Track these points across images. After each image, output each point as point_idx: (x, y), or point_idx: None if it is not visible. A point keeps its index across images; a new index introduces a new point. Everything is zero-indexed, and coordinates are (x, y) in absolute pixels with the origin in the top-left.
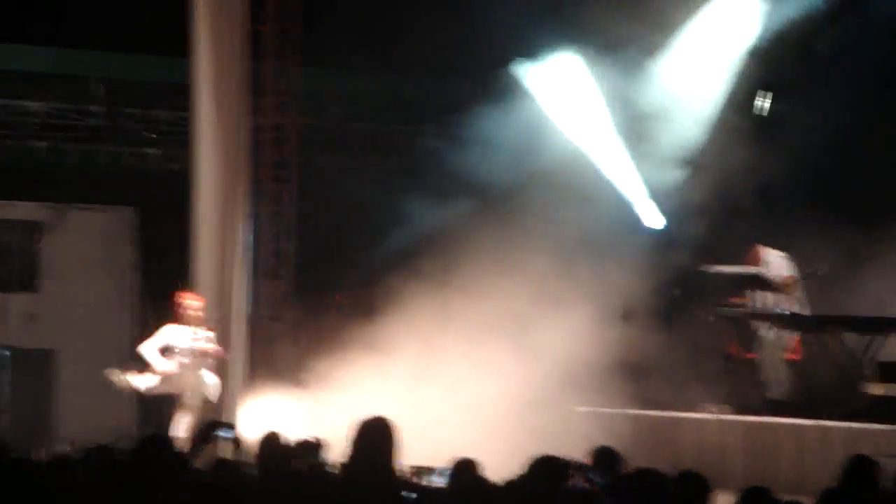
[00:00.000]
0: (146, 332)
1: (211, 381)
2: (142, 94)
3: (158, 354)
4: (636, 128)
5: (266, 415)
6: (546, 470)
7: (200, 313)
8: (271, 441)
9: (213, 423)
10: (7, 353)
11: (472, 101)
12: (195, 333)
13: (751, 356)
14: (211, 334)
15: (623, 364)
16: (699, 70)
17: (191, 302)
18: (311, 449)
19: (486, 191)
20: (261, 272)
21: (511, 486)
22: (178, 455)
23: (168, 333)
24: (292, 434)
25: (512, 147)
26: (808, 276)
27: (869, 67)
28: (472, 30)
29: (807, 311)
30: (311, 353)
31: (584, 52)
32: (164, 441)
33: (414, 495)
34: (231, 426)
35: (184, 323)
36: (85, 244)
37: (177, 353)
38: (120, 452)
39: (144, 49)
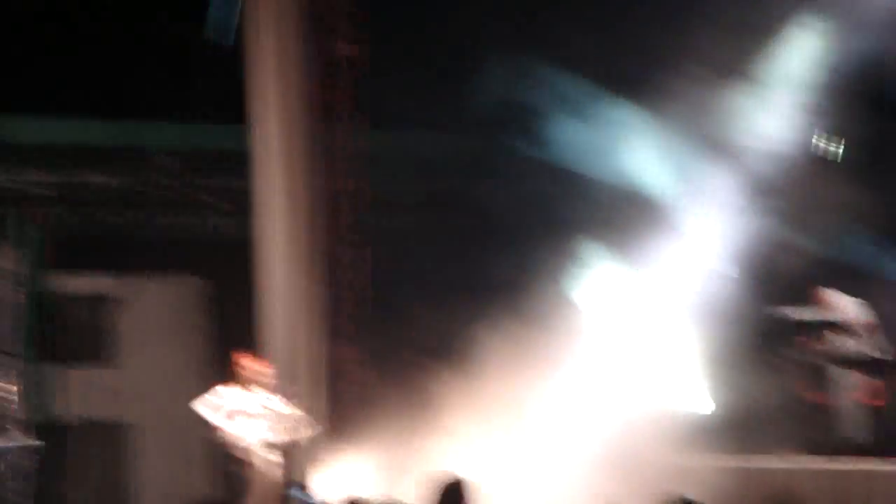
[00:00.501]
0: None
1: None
2: (209, 163)
3: (216, 414)
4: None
5: (345, 477)
6: None
7: (263, 378)
8: None
9: (288, 483)
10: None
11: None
12: (254, 395)
13: (828, 401)
14: (272, 397)
15: (702, 412)
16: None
17: (250, 364)
18: None
19: (560, 238)
20: (335, 336)
21: None
22: None
23: (226, 394)
24: (371, 496)
25: (578, 195)
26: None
27: None
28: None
29: (885, 356)
30: (388, 414)
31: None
32: None
33: None
34: (304, 486)
35: (243, 385)
36: (157, 315)
37: (238, 415)
38: None
39: (210, 118)
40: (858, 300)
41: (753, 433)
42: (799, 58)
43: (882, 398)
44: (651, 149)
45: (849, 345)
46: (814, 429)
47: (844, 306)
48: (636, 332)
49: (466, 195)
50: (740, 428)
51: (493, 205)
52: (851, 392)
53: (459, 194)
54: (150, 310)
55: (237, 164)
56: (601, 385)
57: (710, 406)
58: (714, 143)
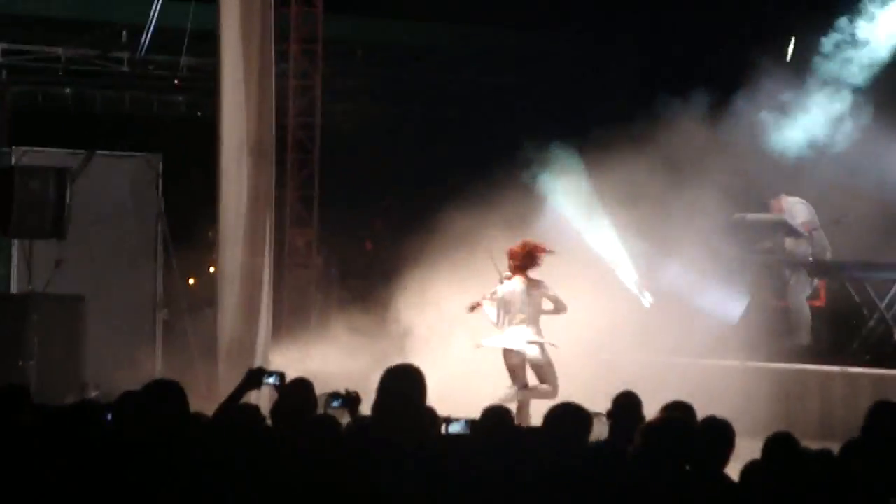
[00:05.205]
0: (171, 276)
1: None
2: (167, 40)
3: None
4: None
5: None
6: (567, 419)
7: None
8: (297, 387)
9: (260, 370)
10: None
11: (508, 47)
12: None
13: (778, 303)
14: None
15: (652, 312)
16: None
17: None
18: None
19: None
20: (288, 220)
21: (533, 433)
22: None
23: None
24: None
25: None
26: (835, 222)
27: None
28: None
29: (828, 256)
30: (339, 301)
31: None
32: (171, 385)
33: (459, 428)
34: (279, 374)
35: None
36: (111, 191)
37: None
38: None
39: None
40: (802, 200)
41: (701, 334)
42: None
43: (822, 299)
44: None
45: (797, 246)
46: (762, 330)
47: (792, 207)
48: (601, 235)
49: (429, 86)
50: (703, 332)
51: (457, 98)
52: (800, 294)
53: (421, 85)
54: (106, 185)
55: (196, 42)
56: (567, 285)
57: (657, 307)
58: None
